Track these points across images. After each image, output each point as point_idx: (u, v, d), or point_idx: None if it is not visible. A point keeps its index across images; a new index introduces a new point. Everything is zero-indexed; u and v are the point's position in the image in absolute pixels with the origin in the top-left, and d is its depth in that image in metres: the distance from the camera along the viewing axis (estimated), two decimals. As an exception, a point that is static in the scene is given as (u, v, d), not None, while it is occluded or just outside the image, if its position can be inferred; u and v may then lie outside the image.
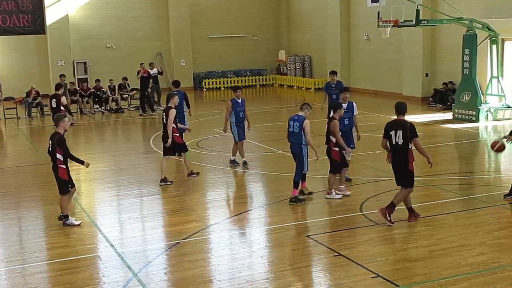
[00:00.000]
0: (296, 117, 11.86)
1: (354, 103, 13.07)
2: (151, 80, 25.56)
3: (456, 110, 21.54)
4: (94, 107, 26.22)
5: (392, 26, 21.30)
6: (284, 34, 36.45)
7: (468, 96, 21.15)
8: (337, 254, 9.07)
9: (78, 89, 26.45)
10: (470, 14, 21.75)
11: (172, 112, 13.35)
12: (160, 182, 13.43)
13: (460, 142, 18.03)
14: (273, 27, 36.35)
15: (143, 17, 33.43)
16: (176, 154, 14.47)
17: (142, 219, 11.47)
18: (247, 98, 31.23)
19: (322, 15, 32.49)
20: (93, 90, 26.42)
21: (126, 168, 15.54)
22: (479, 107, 20.79)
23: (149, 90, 25.19)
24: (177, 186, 13.71)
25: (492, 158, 16.90)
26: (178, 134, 13.65)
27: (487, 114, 20.84)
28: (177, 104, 13.74)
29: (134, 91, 27.53)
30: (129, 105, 27.06)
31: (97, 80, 26.88)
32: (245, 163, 14.83)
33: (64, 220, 10.78)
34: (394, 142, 10.35)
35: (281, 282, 8.21)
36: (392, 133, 10.37)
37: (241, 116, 14.74)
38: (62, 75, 24.76)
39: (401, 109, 10.55)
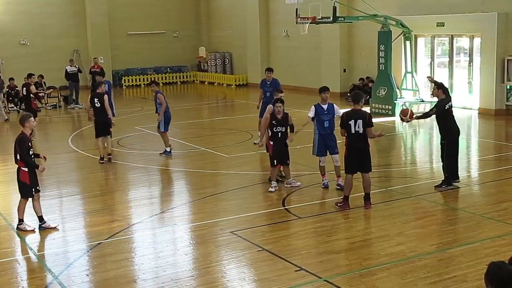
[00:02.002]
0: None
1: (334, 104, 12.26)
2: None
3: (373, 105, 22.14)
4: (9, 106, 25.30)
5: (310, 23, 21.62)
6: (204, 30, 36.37)
7: (384, 91, 21.78)
8: (261, 249, 9.14)
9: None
10: (385, 11, 22.41)
11: (106, 97, 15.10)
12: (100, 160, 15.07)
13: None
14: (193, 23, 36.20)
15: (58, 13, 32.55)
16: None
17: (62, 220, 11.17)
18: (167, 95, 31.00)
19: (242, 12, 32.64)
20: (7, 89, 25.48)
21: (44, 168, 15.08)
22: (395, 101, 21.44)
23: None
24: (97, 186, 13.47)
25: (408, 151, 17.49)
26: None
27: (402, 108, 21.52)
28: (105, 92, 15.33)
29: (51, 89, 26.81)
30: (45, 104, 26.29)
31: (11, 79, 25.91)
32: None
33: (18, 224, 10.27)
34: (353, 131, 10.69)
35: (205, 279, 8.21)
36: (352, 122, 10.69)
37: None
38: None
39: (357, 98, 10.93)
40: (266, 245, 9.27)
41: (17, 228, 10.29)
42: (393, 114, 21.24)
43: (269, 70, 16.98)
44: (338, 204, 10.94)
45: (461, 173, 12.78)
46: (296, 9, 22.23)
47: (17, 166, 10.23)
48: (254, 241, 9.50)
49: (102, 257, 9.15)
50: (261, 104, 16.21)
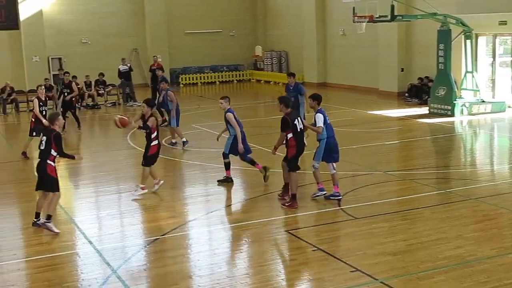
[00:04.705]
0: None
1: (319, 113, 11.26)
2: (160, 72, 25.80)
3: (432, 105, 21.74)
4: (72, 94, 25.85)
5: (367, 22, 21.39)
6: (260, 29, 36.45)
7: (443, 91, 21.35)
8: (316, 248, 9.11)
9: (54, 85, 26.13)
10: (444, 10, 21.95)
11: (34, 101, 16.27)
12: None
13: (436, 136, 18.20)
14: (249, 22, 36.32)
15: (118, 12, 33.18)
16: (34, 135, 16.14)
17: (121, 215, 11.41)
18: (224, 93, 31.30)
19: (298, 11, 32.55)
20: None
21: (104, 164, 15.44)
22: (454, 101, 21.00)
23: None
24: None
25: (468, 152, 17.10)
26: (33, 120, 16.17)
27: (462, 109, 21.06)
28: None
29: (111, 87, 27.36)
30: (105, 101, 26.86)
31: (74, 77, 26.50)
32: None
33: (46, 221, 10.18)
34: (299, 130, 11.11)
35: (260, 277, 8.23)
36: (296, 122, 11.06)
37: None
38: (60, 69, 24.82)
39: (289, 103, 11.45)
40: (321, 244, 9.23)
41: (42, 223, 10.16)
42: (452, 115, 20.80)
43: (291, 75, 16.99)
44: (286, 204, 11.13)
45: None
46: (353, 8, 22.04)
47: (40, 160, 10.17)
48: (309, 240, 9.48)
49: (159, 252, 9.29)
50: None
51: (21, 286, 8.30)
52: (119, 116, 12.14)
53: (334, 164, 11.44)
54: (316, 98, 11.33)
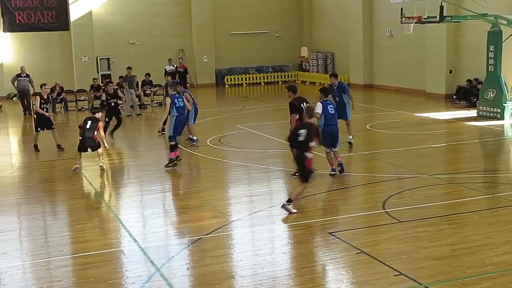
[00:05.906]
0: None
1: (319, 103, 13.42)
2: (187, 75, 26.21)
3: (481, 108, 21.31)
4: (118, 102, 26.25)
5: (416, 23, 21.12)
6: (306, 30, 36.36)
7: (492, 93, 20.91)
8: (359, 251, 9.03)
9: (102, 85, 26.57)
10: (495, 10, 21.50)
11: (36, 99, 17.21)
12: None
13: (484, 139, 17.84)
14: (295, 23, 36.28)
15: (165, 13, 33.57)
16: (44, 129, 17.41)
17: (165, 214, 11.54)
18: (269, 94, 31.52)
19: (345, 12, 32.35)
20: (116, 86, 26.39)
21: (149, 163, 15.62)
22: (504, 104, 20.53)
23: (188, 84, 25.56)
24: (198, 182, 13.77)
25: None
26: (36, 117, 17.19)
27: (512, 112, 20.59)
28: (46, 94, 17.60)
29: (157, 87, 27.66)
30: (151, 101, 27.18)
31: (121, 77, 26.90)
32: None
33: (286, 203, 10.84)
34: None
35: (303, 279, 8.21)
36: (302, 106, 12.77)
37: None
38: (128, 68, 25.47)
39: (296, 89, 13.56)
40: (365, 247, 9.15)
41: (283, 205, 10.86)
42: (502, 118, 20.35)
43: (333, 76, 17.11)
44: (296, 174, 12.09)
45: None
46: (401, 9, 21.79)
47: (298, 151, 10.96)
48: (353, 243, 9.39)
49: (202, 252, 9.35)
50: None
51: (68, 282, 8.46)
52: None
53: (333, 148, 13.20)
54: (322, 91, 13.63)
